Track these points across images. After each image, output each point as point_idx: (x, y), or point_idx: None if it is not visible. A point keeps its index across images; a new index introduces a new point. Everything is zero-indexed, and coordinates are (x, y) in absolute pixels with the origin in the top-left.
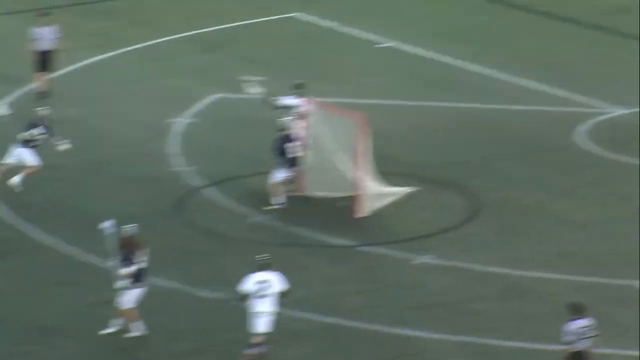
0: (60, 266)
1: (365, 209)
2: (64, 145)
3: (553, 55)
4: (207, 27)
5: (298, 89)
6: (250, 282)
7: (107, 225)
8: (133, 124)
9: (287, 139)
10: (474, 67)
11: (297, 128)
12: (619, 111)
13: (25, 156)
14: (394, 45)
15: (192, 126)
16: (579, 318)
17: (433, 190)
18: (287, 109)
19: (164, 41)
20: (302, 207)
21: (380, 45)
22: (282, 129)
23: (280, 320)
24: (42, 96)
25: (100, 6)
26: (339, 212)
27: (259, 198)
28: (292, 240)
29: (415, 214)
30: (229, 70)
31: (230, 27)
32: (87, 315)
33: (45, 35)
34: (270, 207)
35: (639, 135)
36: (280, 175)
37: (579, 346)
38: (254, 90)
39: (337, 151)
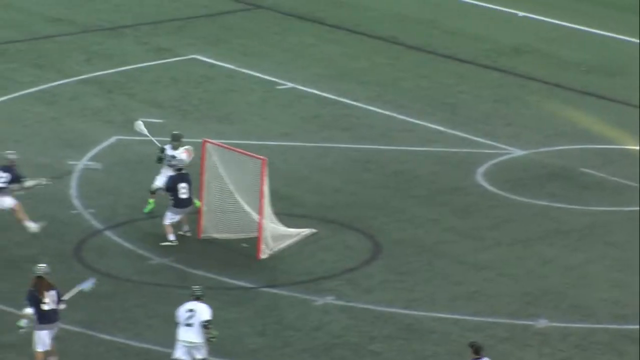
0: None
1: (267, 250)
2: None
3: (452, 96)
4: (106, 69)
5: (175, 141)
6: (182, 310)
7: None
8: (32, 167)
9: (181, 178)
10: (374, 109)
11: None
12: (516, 152)
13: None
14: (294, 86)
15: (90, 169)
16: (478, 358)
17: (334, 231)
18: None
19: (62, 83)
20: (202, 249)
21: (281, 87)
22: (179, 169)
23: None
24: None
25: None
26: (240, 253)
27: (157, 240)
28: (193, 282)
29: (317, 255)
30: (128, 112)
31: (131, 68)
32: None
33: None
34: (165, 243)
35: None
36: (170, 216)
37: None
38: (143, 130)
39: (237, 192)
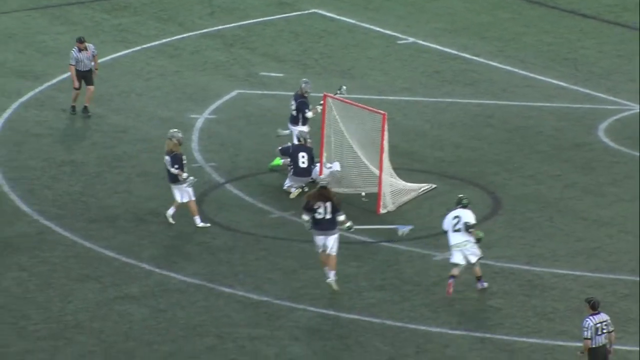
0: (78, 261)
1: (386, 205)
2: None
3: (574, 51)
4: (228, 24)
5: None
6: (449, 218)
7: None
8: (153, 120)
9: (302, 148)
10: (495, 64)
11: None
12: (638, 108)
13: None
14: (415, 41)
15: (212, 122)
16: (595, 314)
17: (454, 187)
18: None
19: (185, 37)
20: None
21: (403, 42)
22: (304, 139)
23: (300, 317)
24: (86, 111)
25: (122, 2)
26: (359, 208)
27: (277, 194)
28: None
29: (436, 210)
30: (249, 66)
31: (252, 23)
32: (105, 311)
33: (85, 59)
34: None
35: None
36: (288, 183)
37: (597, 342)
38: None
39: (357, 147)
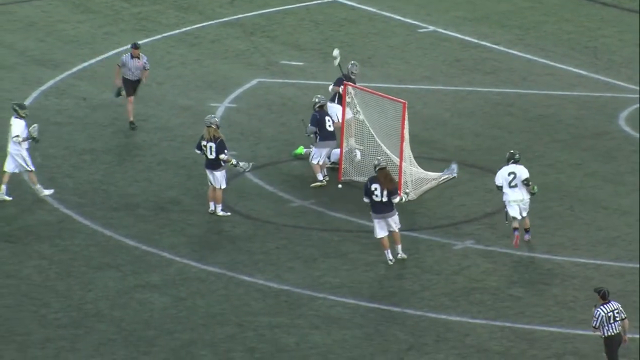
0: (99, 250)
1: (407, 194)
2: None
3: (595, 40)
4: (249, 12)
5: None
6: (503, 174)
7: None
8: (173, 109)
9: (326, 113)
10: (515, 52)
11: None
12: None
13: None
14: (435, 29)
15: (232, 111)
16: (606, 303)
17: (474, 176)
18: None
19: (205, 25)
20: (342, 192)
21: (423, 30)
22: (321, 106)
23: (320, 306)
24: (133, 125)
25: None
26: None
27: (297, 183)
28: (334, 225)
29: (456, 199)
30: (269, 54)
31: (273, 11)
32: (125, 299)
33: (134, 68)
34: (315, 184)
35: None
36: (317, 153)
37: (611, 330)
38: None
39: (377, 135)
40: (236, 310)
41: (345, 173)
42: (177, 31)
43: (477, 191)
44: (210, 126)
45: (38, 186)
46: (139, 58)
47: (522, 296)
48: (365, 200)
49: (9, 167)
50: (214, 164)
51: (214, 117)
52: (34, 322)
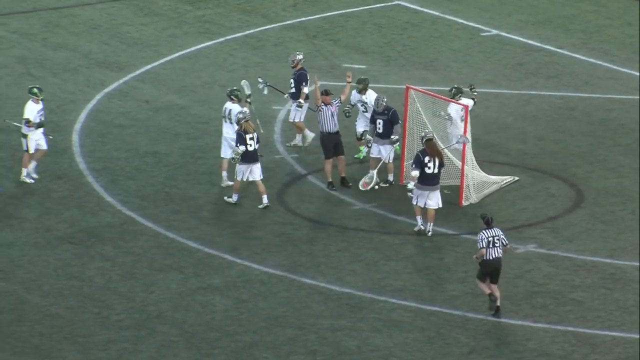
0: (162, 252)
1: (469, 198)
2: None
3: None
4: (311, 15)
5: (359, 84)
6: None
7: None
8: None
9: (379, 114)
10: (579, 56)
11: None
12: None
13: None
14: (498, 33)
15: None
16: (488, 229)
17: (536, 179)
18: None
19: (268, 28)
20: (404, 195)
21: (486, 34)
22: (385, 109)
23: (382, 309)
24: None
25: None
26: (442, 201)
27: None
28: (395, 228)
29: (518, 203)
30: (332, 57)
31: (335, 14)
32: (187, 301)
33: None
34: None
35: None
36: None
37: (490, 254)
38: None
39: (439, 139)
40: (298, 312)
41: (407, 177)
42: (240, 34)
43: (539, 195)
44: (247, 120)
45: (29, 168)
46: (331, 104)
47: (584, 300)
48: (415, 173)
49: None
50: (255, 157)
51: (245, 110)
52: (97, 323)
